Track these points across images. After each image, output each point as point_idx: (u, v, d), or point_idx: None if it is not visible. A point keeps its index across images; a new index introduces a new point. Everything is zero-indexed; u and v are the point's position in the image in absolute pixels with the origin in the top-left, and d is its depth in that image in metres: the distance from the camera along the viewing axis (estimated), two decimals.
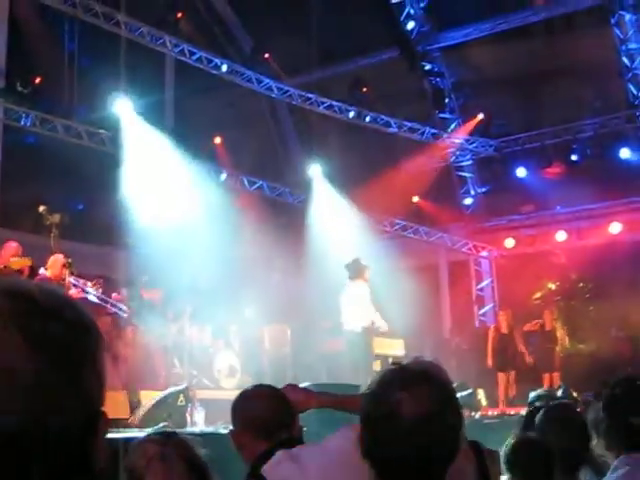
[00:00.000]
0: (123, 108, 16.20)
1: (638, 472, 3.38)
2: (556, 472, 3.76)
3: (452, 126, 20.33)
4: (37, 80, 15.73)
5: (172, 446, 2.56)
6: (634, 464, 3.40)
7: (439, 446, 2.09)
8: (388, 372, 2.25)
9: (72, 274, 9.63)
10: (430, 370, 2.23)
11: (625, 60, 18.01)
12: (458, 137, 20.02)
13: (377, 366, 14.29)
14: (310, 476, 3.05)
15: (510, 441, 4.04)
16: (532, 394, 7.61)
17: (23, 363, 1.07)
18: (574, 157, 19.25)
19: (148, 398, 9.89)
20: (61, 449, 1.10)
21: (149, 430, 7.87)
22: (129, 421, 8.84)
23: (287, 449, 3.16)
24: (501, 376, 15.53)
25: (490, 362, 15.71)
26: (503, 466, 3.88)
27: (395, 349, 14.34)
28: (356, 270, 12.70)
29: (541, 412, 4.33)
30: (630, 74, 18.06)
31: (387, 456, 2.11)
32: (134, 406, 10.00)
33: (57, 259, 10.06)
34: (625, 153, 18.73)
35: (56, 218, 9.93)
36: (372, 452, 2.15)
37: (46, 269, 9.87)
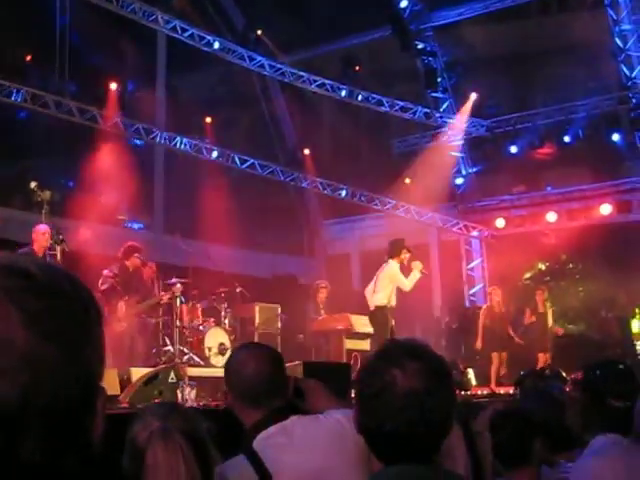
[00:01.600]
0: (114, 85, 16.16)
1: (612, 451, 3.43)
2: (537, 445, 3.78)
3: (444, 105, 20.29)
4: (28, 56, 15.68)
5: (173, 420, 2.56)
6: (610, 444, 3.44)
7: (431, 421, 2.11)
8: (383, 348, 2.27)
9: (65, 251, 9.60)
10: (424, 346, 2.26)
11: (618, 41, 17.96)
12: (453, 118, 19.97)
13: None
14: (301, 450, 3.06)
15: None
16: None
17: (20, 339, 1.06)
18: (566, 138, 19.25)
19: (138, 375, 9.89)
20: (59, 423, 1.10)
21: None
22: (119, 398, 8.83)
23: (281, 420, 3.16)
24: (494, 356, 15.57)
25: (479, 343, 15.74)
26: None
27: None
28: (393, 250, 12.71)
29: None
30: (623, 55, 18.02)
31: (380, 431, 2.14)
32: (124, 383, 10.00)
33: (38, 230, 10.07)
34: (617, 135, 18.72)
35: (47, 195, 9.90)
36: (366, 427, 2.19)
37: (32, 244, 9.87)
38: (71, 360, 1.11)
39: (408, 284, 12.53)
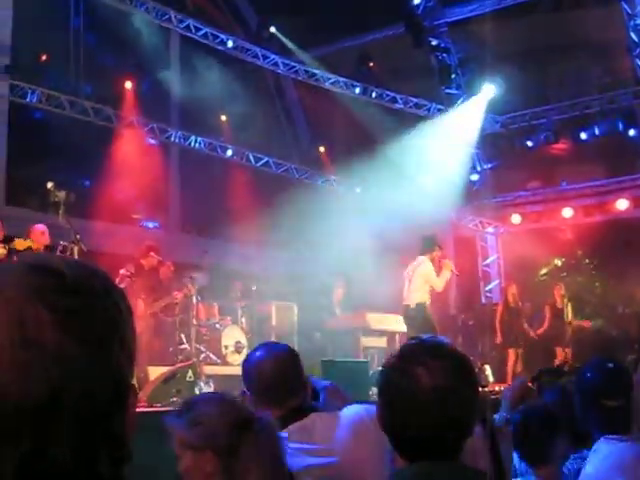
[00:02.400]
0: (128, 84, 16.22)
1: (616, 455, 3.42)
2: (559, 442, 3.78)
3: (458, 102, 20.24)
4: (43, 57, 15.74)
5: (198, 433, 2.52)
6: (614, 449, 3.43)
7: (456, 419, 2.13)
8: (406, 346, 2.29)
9: (82, 251, 9.64)
10: (447, 344, 2.27)
11: (633, 36, 17.87)
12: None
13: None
14: (321, 448, 3.06)
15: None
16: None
17: (50, 338, 1.08)
18: (582, 134, 19.17)
19: (156, 374, 9.92)
20: (90, 422, 1.11)
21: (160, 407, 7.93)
22: (138, 397, 8.87)
23: (301, 419, 3.15)
24: (511, 352, 15.56)
25: (499, 338, 15.73)
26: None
27: (399, 325, 14.37)
28: (425, 246, 12.52)
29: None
30: (638, 50, 17.93)
31: (405, 429, 2.16)
32: (142, 382, 10.04)
33: (36, 230, 10.14)
34: (632, 130, 18.63)
35: (63, 195, 9.94)
36: (390, 425, 2.20)
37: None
38: (101, 359, 1.12)
39: (440, 284, 12.25)
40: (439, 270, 12.32)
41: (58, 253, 9.60)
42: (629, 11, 17.66)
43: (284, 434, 3.09)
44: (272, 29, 18.36)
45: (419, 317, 12.36)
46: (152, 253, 12.37)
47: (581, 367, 3.86)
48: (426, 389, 2.10)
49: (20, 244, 9.30)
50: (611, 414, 3.48)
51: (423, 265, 12.35)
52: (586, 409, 3.59)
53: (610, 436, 3.42)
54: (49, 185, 9.69)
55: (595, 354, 14.48)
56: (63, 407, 1.08)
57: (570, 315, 16.16)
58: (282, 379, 3.25)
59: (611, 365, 3.71)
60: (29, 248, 9.49)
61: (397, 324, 13.79)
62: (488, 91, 19.28)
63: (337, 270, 16.19)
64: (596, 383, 3.60)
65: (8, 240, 9.33)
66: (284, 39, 18.53)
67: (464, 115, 19.69)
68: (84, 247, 9.70)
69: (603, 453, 3.39)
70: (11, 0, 15.28)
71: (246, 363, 3.41)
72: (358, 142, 18.76)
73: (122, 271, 11.66)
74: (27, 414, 1.07)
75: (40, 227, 10.29)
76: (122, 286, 11.36)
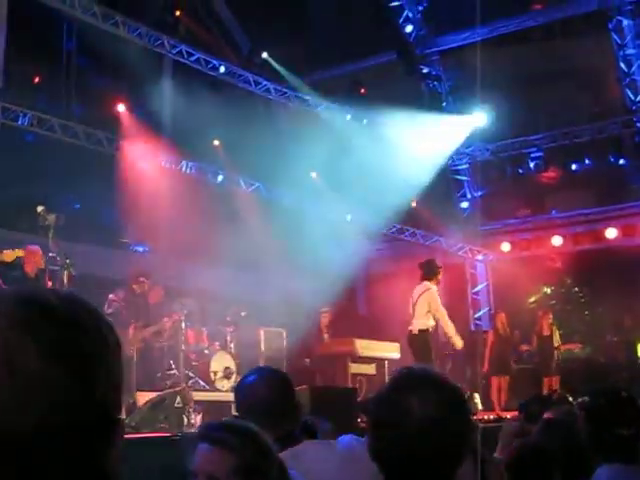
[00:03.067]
0: (121, 108, 16.24)
1: None
2: (556, 478, 3.77)
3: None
4: (35, 79, 15.76)
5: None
6: (616, 476, 3.43)
7: (445, 450, 2.13)
8: (397, 376, 2.28)
9: (72, 275, 9.60)
10: (439, 375, 2.26)
11: (623, 66, 18.02)
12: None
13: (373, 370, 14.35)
14: (311, 477, 3.04)
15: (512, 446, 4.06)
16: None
17: (38, 370, 1.08)
18: (571, 163, 19.25)
19: (144, 400, 9.88)
20: (74, 454, 1.11)
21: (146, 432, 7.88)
22: (125, 422, 8.81)
23: (292, 445, 3.14)
24: (494, 379, 15.58)
25: (485, 366, 15.76)
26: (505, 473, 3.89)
27: (391, 352, 14.37)
28: (429, 271, 12.55)
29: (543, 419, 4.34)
30: (628, 79, 18.08)
31: (394, 458, 2.16)
32: (130, 408, 9.99)
33: (30, 250, 10.11)
34: (621, 159, 18.71)
35: (53, 218, 9.92)
36: (380, 454, 2.20)
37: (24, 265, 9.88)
38: (86, 391, 1.12)
39: (442, 307, 12.39)
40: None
41: (47, 278, 9.58)
42: (619, 41, 17.81)
43: None
44: (264, 55, 18.40)
45: (420, 344, 12.38)
46: (142, 278, 12.35)
47: (593, 395, 3.86)
48: (415, 420, 2.09)
49: (8, 255, 9.26)
50: (621, 443, 3.48)
51: (429, 293, 12.38)
52: (595, 436, 3.59)
53: (614, 464, 3.42)
54: (39, 209, 9.67)
55: (583, 383, 14.54)
56: (48, 438, 1.08)
57: (559, 341, 16.18)
58: (274, 403, 3.25)
59: (624, 394, 3.72)
60: (18, 259, 9.47)
61: (391, 352, 13.80)
62: (478, 118, 19.34)
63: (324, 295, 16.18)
64: (610, 411, 3.60)
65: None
66: (276, 65, 18.58)
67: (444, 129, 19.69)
68: (73, 271, 9.67)
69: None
70: (4, 23, 15.31)
71: (239, 387, 3.44)
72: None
73: (111, 296, 11.65)
74: (11, 445, 1.06)
75: (34, 248, 10.27)
76: (110, 311, 11.35)
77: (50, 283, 9.66)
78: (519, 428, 4.26)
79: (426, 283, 12.46)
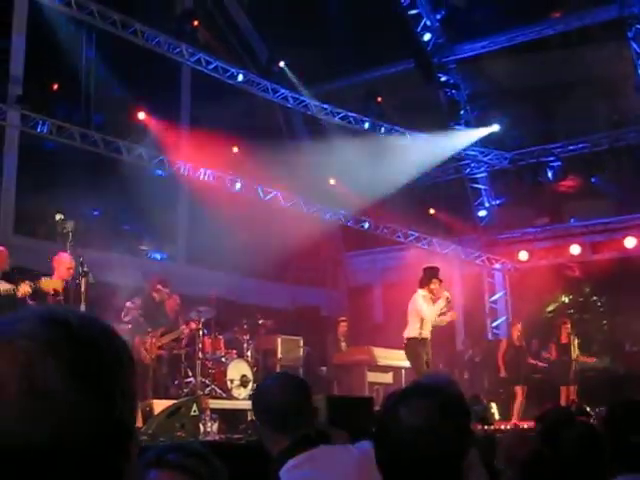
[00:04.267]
0: (140, 117, 16.32)
1: None
2: None
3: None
4: (54, 87, 15.85)
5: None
6: None
7: (437, 459, 2.16)
8: (404, 386, 2.38)
9: (89, 283, 9.61)
10: (438, 385, 2.31)
11: None
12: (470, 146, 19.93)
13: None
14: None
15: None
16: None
17: (57, 389, 1.11)
18: (589, 171, 19.17)
19: (160, 408, 9.89)
20: (90, 470, 1.13)
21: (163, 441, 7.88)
22: (141, 430, 8.82)
23: (309, 448, 3.15)
24: (518, 389, 15.48)
25: (503, 373, 15.67)
26: None
27: (405, 360, 14.32)
28: (423, 278, 12.52)
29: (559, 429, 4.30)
30: None
31: (391, 464, 2.22)
32: (146, 415, 10.01)
33: (60, 259, 10.07)
34: None
35: (71, 226, 9.94)
36: (380, 460, 2.27)
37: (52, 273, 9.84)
38: (104, 408, 1.15)
39: (429, 313, 12.21)
40: (436, 301, 12.34)
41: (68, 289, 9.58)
42: (638, 50, 17.75)
43: (293, 462, 3.08)
44: (281, 64, 18.44)
45: (408, 352, 12.41)
46: (160, 286, 12.38)
47: (613, 405, 3.86)
48: (406, 429, 2.14)
49: (46, 284, 9.25)
50: (637, 452, 3.47)
51: (414, 298, 12.40)
52: (613, 445, 3.58)
53: (630, 476, 3.41)
54: (57, 217, 9.70)
55: (601, 393, 14.46)
56: (65, 454, 1.10)
57: (577, 351, 16.08)
58: (291, 408, 3.29)
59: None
60: (55, 290, 9.43)
61: (403, 359, 13.76)
62: (493, 128, 19.34)
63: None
64: (628, 420, 3.60)
65: (34, 277, 9.30)
66: (292, 76, 18.59)
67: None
68: (92, 279, 9.69)
69: None
70: (24, 31, 15.42)
71: (256, 392, 3.59)
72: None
73: (128, 303, 11.67)
74: (30, 460, 1.09)
75: (65, 257, 10.24)
76: (128, 319, 11.37)
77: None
78: (518, 439, 4.23)
79: (419, 291, 12.46)
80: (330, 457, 3.16)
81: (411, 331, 12.30)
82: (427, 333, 12.29)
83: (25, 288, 8.97)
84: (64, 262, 9.99)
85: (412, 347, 12.30)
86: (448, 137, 19.45)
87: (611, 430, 3.67)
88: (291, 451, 3.14)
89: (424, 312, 12.21)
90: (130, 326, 11.40)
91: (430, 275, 12.48)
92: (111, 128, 16.25)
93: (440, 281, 12.51)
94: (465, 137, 19.68)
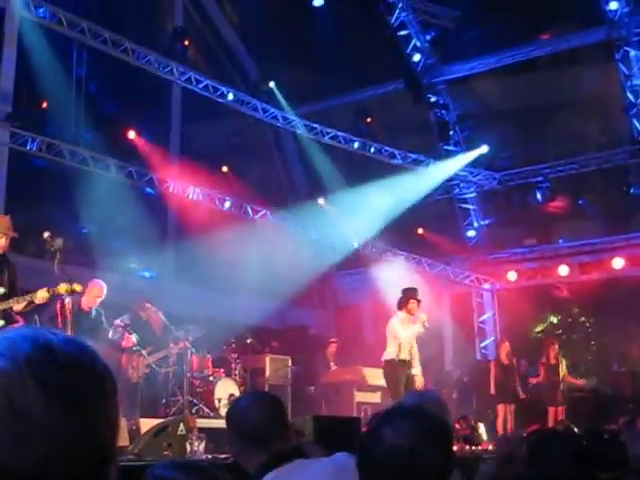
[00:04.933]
0: (129, 135, 16.34)
1: None
2: None
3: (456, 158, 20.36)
4: (44, 104, 15.84)
5: None
6: None
7: (419, 478, 2.14)
8: (386, 409, 2.38)
9: (74, 301, 9.61)
10: (425, 407, 2.32)
11: (630, 96, 18.06)
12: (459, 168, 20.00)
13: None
14: None
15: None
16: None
17: (38, 410, 1.11)
18: (578, 192, 19.25)
19: (147, 426, 9.84)
20: None
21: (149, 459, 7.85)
22: (128, 449, 8.78)
23: (285, 464, 3.17)
24: (501, 407, 15.50)
25: (492, 391, 15.67)
26: None
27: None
28: (400, 300, 12.46)
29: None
30: (635, 110, 18.10)
31: None
32: (133, 434, 9.95)
33: (93, 286, 10.24)
34: (628, 189, 18.68)
35: (59, 243, 9.94)
36: (363, 477, 2.28)
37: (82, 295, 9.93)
38: (86, 432, 1.15)
39: (405, 335, 12.16)
40: (414, 323, 12.29)
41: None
42: (626, 72, 17.86)
43: (269, 477, 3.10)
44: (271, 84, 18.48)
45: (385, 374, 12.39)
46: (148, 304, 12.37)
47: (578, 435, 3.85)
48: (389, 449, 2.15)
49: (63, 289, 9.26)
50: None
51: (392, 321, 12.37)
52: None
53: None
54: (45, 235, 9.67)
55: (589, 413, 14.46)
56: (47, 475, 1.10)
57: (565, 372, 16.10)
58: (265, 424, 3.32)
59: (607, 436, 3.70)
60: (73, 291, 9.50)
61: None
62: (482, 150, 19.41)
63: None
64: (593, 454, 3.58)
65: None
66: (280, 97, 18.62)
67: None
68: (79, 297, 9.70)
69: None
70: (14, 47, 15.42)
71: (230, 410, 3.57)
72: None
73: (117, 321, 11.63)
74: None
75: (97, 284, 10.47)
76: (116, 337, 11.32)
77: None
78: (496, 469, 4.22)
79: (397, 313, 12.43)
80: (305, 471, 3.18)
81: (388, 353, 12.26)
82: (406, 355, 12.22)
83: (43, 294, 8.98)
84: (94, 287, 10.19)
85: (389, 370, 12.27)
86: (439, 166, 19.53)
87: (579, 463, 3.65)
88: (269, 466, 3.17)
89: (400, 335, 12.15)
90: (117, 344, 11.33)
91: (408, 296, 12.43)
92: (101, 146, 16.24)
93: (418, 302, 12.46)
94: (455, 162, 19.76)
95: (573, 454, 3.69)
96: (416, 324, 12.25)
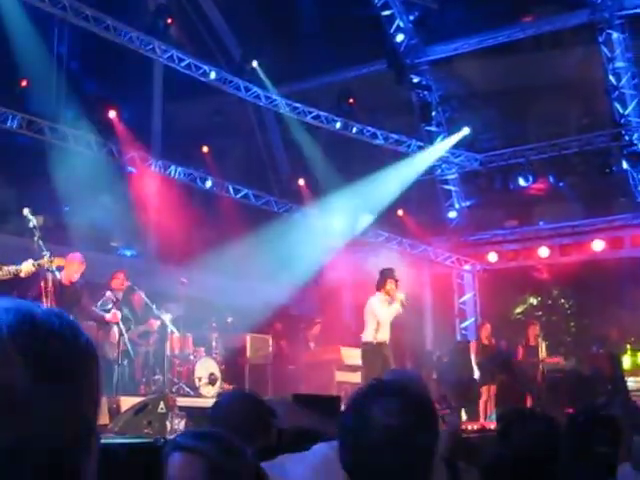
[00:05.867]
0: (111, 113, 16.25)
1: None
2: None
3: (438, 139, 20.38)
4: (24, 82, 15.72)
5: None
6: None
7: (409, 459, 2.11)
8: (366, 386, 2.30)
9: (56, 279, 9.60)
10: (407, 385, 2.27)
11: (612, 79, 18.10)
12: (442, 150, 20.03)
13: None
14: None
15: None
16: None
17: (21, 381, 1.10)
18: (559, 174, 19.30)
19: (128, 405, 9.85)
20: (57, 465, 1.13)
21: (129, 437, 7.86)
22: (108, 428, 8.78)
23: (268, 459, 3.18)
24: (485, 389, 15.57)
25: (476, 375, 15.74)
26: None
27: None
28: (379, 281, 12.44)
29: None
30: (616, 93, 18.15)
31: (361, 467, 2.15)
32: (113, 412, 9.95)
33: (73, 262, 10.22)
34: (609, 171, 18.74)
35: (40, 220, 9.92)
36: (346, 461, 2.20)
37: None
38: (69, 405, 1.14)
39: (383, 314, 12.17)
40: (392, 303, 12.29)
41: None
42: (608, 54, 17.89)
43: None
44: (254, 64, 18.38)
45: (362, 356, 12.41)
46: (120, 274, 12.36)
47: (574, 413, 3.89)
48: (379, 428, 2.10)
49: (48, 261, 9.26)
50: (600, 460, 3.50)
51: (369, 301, 12.37)
52: (575, 453, 3.60)
53: None
54: (25, 211, 9.64)
55: (568, 394, 14.56)
56: (31, 450, 1.09)
57: (544, 353, 16.18)
58: (247, 423, 3.39)
59: (604, 412, 3.74)
60: (60, 267, 9.54)
61: None
62: (464, 132, 19.43)
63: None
64: (591, 428, 3.62)
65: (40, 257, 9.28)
66: (263, 76, 18.52)
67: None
68: (58, 275, 9.66)
69: None
70: None
71: (212, 411, 3.66)
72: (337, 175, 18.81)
73: (109, 293, 11.62)
74: None
75: (78, 258, 10.44)
76: (105, 309, 11.29)
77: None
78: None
79: (376, 293, 12.43)
80: (289, 466, 3.19)
81: (367, 335, 12.26)
82: (383, 336, 12.24)
83: (28, 267, 8.96)
84: (75, 263, 10.15)
85: (366, 352, 12.29)
86: (424, 153, 19.56)
87: (574, 439, 3.69)
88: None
89: (380, 315, 12.15)
90: (99, 317, 11.23)
91: (385, 276, 12.41)
92: (83, 123, 16.15)
93: (396, 281, 12.45)
94: (440, 147, 19.80)
95: (541, 433, 3.73)
96: (394, 304, 12.26)
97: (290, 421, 3.86)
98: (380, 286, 12.35)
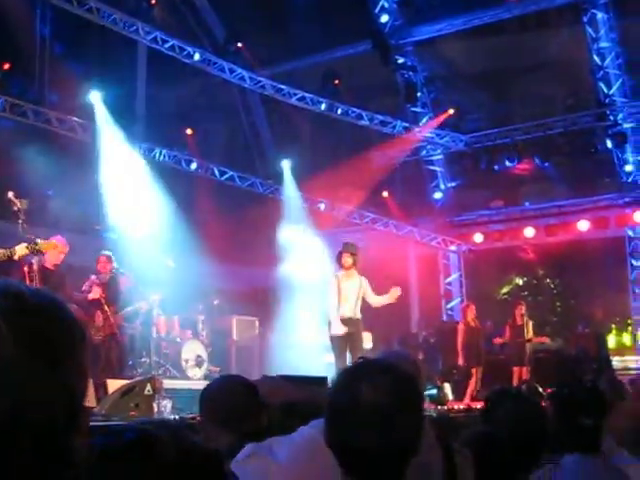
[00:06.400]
0: (94, 96, 16.13)
1: (582, 474, 3.45)
2: (511, 468, 3.76)
3: (423, 120, 20.38)
4: (7, 65, 15.61)
5: None
6: (575, 466, 3.46)
7: (398, 437, 2.10)
8: (354, 364, 2.29)
9: (40, 261, 9.58)
10: (394, 363, 2.26)
11: (596, 59, 18.12)
12: (428, 131, 20.02)
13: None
14: (282, 468, 3.05)
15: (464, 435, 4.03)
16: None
17: (10, 357, 1.12)
18: (544, 154, 19.32)
19: (114, 387, 9.84)
20: (44, 440, 1.14)
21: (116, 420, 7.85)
22: (95, 410, 8.77)
23: (256, 442, 3.17)
24: (474, 370, 15.59)
25: (461, 360, 15.74)
26: None
27: (365, 342, 14.33)
28: (337, 256, 11.91)
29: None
30: (601, 73, 18.18)
31: (348, 445, 2.13)
32: (100, 394, 9.94)
33: (57, 246, 10.16)
34: (594, 151, 18.78)
35: (23, 204, 9.87)
36: (334, 441, 2.18)
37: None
38: (57, 377, 1.17)
39: (341, 285, 11.65)
40: (350, 277, 11.92)
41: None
42: (593, 35, 17.90)
43: (248, 447, 3.10)
44: (238, 44, 18.27)
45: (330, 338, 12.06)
46: (103, 257, 12.29)
47: (560, 384, 3.90)
48: (368, 406, 2.07)
49: (42, 245, 9.23)
50: (585, 433, 3.52)
51: (329, 279, 12.04)
52: (561, 425, 3.62)
53: (578, 455, 3.46)
54: (9, 194, 9.60)
55: (554, 373, 14.62)
56: (22, 424, 1.11)
57: (530, 333, 16.22)
58: (234, 406, 3.41)
59: (590, 385, 3.76)
60: (54, 247, 9.53)
61: (363, 341, 13.73)
62: (449, 112, 19.42)
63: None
64: (575, 400, 3.64)
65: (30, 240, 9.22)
66: (248, 56, 18.42)
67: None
68: (43, 258, 9.64)
69: (573, 470, 3.42)
70: None
71: (203, 392, 3.63)
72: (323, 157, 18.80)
73: (93, 277, 11.58)
74: None
75: (61, 242, 10.37)
76: (91, 295, 11.25)
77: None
78: None
79: (334, 271, 12.16)
80: (278, 445, 3.18)
81: (330, 312, 11.58)
82: (346, 311, 11.62)
83: (22, 250, 8.92)
84: (59, 246, 10.08)
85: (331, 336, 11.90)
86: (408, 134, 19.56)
87: (560, 411, 3.70)
88: (236, 448, 3.17)
89: (335, 287, 11.59)
90: (82, 299, 11.19)
91: (341, 250, 11.90)
92: (66, 107, 16.05)
93: (352, 255, 11.75)
94: (425, 129, 19.82)
95: (523, 412, 3.74)
96: (353, 279, 11.91)
97: (280, 397, 3.87)
98: (337, 260, 11.90)
